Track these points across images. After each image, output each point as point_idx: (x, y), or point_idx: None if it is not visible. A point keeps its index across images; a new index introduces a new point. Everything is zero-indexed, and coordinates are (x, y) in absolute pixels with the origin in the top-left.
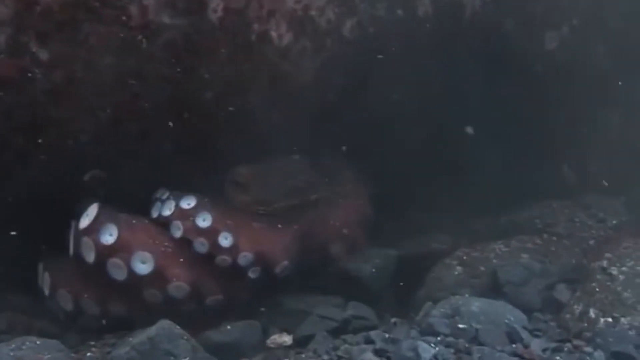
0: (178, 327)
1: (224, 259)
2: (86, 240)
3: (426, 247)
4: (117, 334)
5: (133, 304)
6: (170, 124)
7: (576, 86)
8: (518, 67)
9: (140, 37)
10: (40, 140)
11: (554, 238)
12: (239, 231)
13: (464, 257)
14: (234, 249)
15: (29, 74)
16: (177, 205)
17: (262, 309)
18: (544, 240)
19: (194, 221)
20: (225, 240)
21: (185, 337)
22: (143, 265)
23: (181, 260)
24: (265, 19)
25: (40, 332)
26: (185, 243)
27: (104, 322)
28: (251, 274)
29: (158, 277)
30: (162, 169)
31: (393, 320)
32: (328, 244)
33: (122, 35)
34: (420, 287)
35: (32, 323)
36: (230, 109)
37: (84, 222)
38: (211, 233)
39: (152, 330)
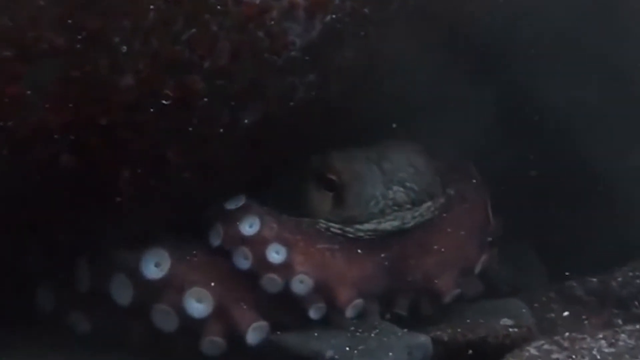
0: None
1: (271, 279)
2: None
3: (484, 329)
4: None
5: None
6: (66, 120)
7: None
8: None
9: None
10: None
11: None
12: (297, 248)
13: None
14: (285, 269)
15: None
16: (221, 206)
17: None
18: None
19: (237, 226)
20: (276, 254)
21: None
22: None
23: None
24: None
25: None
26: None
27: None
28: (313, 313)
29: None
30: (56, 189)
31: None
32: (431, 278)
33: None
34: None
35: None
36: (163, 102)
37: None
38: (257, 243)
39: None
